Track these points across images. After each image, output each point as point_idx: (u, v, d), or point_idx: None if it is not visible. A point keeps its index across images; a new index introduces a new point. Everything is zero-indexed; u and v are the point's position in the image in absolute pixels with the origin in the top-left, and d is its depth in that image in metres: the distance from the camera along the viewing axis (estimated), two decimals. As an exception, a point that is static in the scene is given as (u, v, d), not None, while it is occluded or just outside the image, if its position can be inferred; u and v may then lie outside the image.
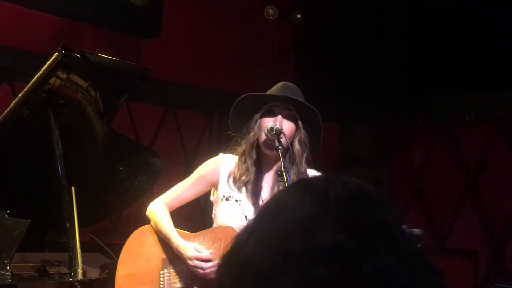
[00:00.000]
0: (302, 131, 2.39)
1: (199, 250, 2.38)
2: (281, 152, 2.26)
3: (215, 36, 5.23)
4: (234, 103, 2.44)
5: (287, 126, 2.35)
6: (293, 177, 2.32)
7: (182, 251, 2.40)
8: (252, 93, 2.42)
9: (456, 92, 4.93)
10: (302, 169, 2.37)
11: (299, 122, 2.39)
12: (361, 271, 0.71)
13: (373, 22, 5.41)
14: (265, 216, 0.80)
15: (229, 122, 2.49)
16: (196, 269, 2.36)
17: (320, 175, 0.85)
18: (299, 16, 5.52)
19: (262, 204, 0.87)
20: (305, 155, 2.38)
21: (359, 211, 0.76)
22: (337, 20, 5.51)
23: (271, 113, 2.38)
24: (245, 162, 2.40)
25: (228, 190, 2.44)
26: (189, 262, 2.37)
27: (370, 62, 5.39)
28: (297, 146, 2.37)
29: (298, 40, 5.80)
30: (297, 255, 0.73)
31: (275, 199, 0.83)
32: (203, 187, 2.52)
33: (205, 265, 2.35)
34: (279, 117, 2.36)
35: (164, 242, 2.49)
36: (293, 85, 2.47)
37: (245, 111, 2.42)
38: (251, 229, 0.80)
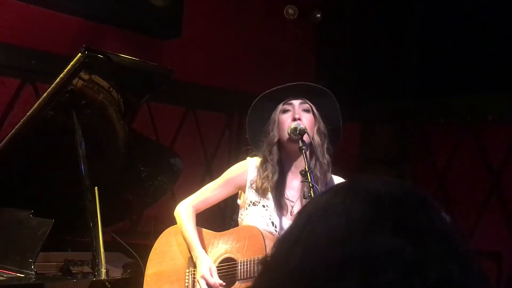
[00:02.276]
0: (320, 120, 2.39)
1: (212, 272, 2.36)
2: (304, 152, 2.25)
3: (235, 36, 5.24)
4: (248, 116, 2.45)
5: (306, 118, 2.36)
6: (316, 172, 2.31)
7: (198, 263, 2.40)
8: (259, 97, 2.42)
9: (479, 92, 4.87)
10: (325, 161, 2.36)
11: (316, 112, 2.39)
12: (426, 277, 0.68)
13: (394, 21, 5.36)
14: (314, 219, 0.76)
15: (246, 136, 2.50)
16: (199, 286, 2.37)
17: (359, 175, 0.81)
18: (319, 15, 5.50)
19: (301, 209, 0.83)
20: (325, 145, 2.38)
21: (413, 213, 0.74)
22: (358, 19, 5.48)
23: (288, 110, 2.38)
24: (266, 169, 2.40)
25: (254, 196, 2.45)
26: (198, 277, 2.38)
27: (391, 61, 5.34)
28: (316, 137, 2.37)
29: (319, 40, 5.77)
30: (358, 260, 0.69)
31: (320, 202, 0.79)
32: (230, 190, 2.53)
33: None
34: (297, 110, 2.36)
35: None
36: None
37: (260, 120, 2.43)
38: (295, 236, 0.76)
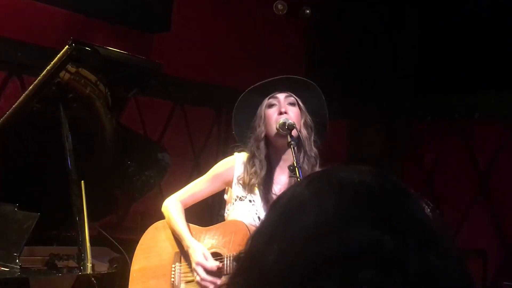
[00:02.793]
0: (305, 113, 2.39)
1: (206, 257, 2.36)
2: (293, 147, 2.25)
3: (225, 31, 5.22)
4: (234, 112, 2.44)
5: (292, 112, 2.35)
6: (305, 166, 2.31)
7: (191, 252, 2.39)
8: (244, 92, 2.41)
9: (467, 91, 4.90)
10: (312, 153, 2.36)
11: (301, 105, 2.39)
12: (407, 271, 0.65)
13: (386, 20, 5.38)
14: (287, 214, 0.72)
15: (233, 133, 2.49)
16: (196, 273, 2.36)
17: (334, 166, 0.75)
18: (308, 11, 5.49)
19: (274, 201, 0.77)
20: (312, 138, 2.38)
21: (391, 204, 0.70)
22: (349, 16, 5.48)
23: (274, 104, 2.37)
24: (253, 165, 2.39)
25: (241, 191, 2.44)
26: (194, 265, 2.37)
27: (380, 60, 5.36)
28: (303, 130, 2.37)
29: (309, 36, 5.77)
30: (337, 258, 0.66)
31: (293, 195, 0.74)
32: (217, 185, 2.52)
33: (208, 277, 2.32)
34: (283, 103, 2.35)
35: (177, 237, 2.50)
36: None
37: (246, 116, 2.42)
38: (269, 232, 0.72)
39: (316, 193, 0.72)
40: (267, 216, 0.76)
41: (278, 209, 0.74)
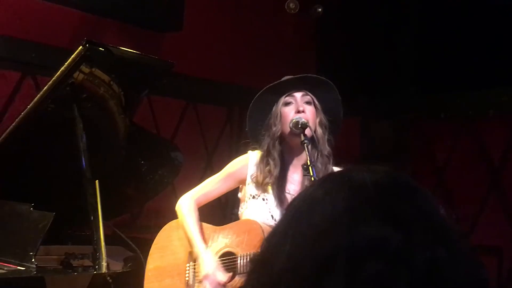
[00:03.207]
0: (321, 112, 2.39)
1: (215, 272, 2.33)
2: (306, 146, 2.25)
3: (236, 30, 5.22)
4: (249, 110, 2.43)
5: (309, 111, 2.36)
6: (318, 165, 2.31)
7: (200, 262, 2.39)
8: (262, 90, 2.41)
9: (479, 87, 4.86)
10: (326, 153, 2.36)
11: (317, 103, 2.39)
12: (412, 264, 0.66)
13: (394, 16, 5.35)
14: (299, 214, 0.74)
15: (246, 129, 2.49)
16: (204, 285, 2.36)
17: (348, 167, 0.78)
18: (320, 10, 5.48)
19: (289, 203, 0.80)
20: (326, 137, 2.38)
21: (400, 200, 0.71)
22: (358, 14, 5.46)
23: (290, 102, 2.37)
24: (267, 163, 2.39)
25: (254, 189, 2.44)
26: (201, 277, 2.36)
27: (391, 56, 5.33)
28: (318, 129, 2.37)
29: (319, 34, 5.76)
30: (344, 252, 0.67)
31: (306, 195, 0.76)
32: (231, 184, 2.53)
33: None
34: (300, 102, 2.36)
35: None
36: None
37: (260, 114, 2.42)
38: (283, 231, 0.74)
39: (327, 193, 0.73)
40: (282, 217, 0.78)
41: (291, 210, 0.76)
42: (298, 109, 2.34)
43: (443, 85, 5.06)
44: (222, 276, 2.34)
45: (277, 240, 0.74)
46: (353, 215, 0.70)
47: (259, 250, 0.78)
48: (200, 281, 2.42)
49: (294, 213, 0.75)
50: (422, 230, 0.69)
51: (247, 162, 2.47)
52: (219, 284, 2.34)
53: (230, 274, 2.35)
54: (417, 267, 0.66)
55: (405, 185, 0.74)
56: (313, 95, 2.39)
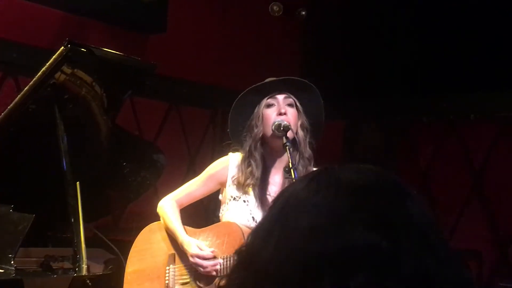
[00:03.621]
0: (303, 115, 2.40)
1: (201, 247, 2.38)
2: (288, 149, 2.25)
3: (220, 32, 5.22)
4: (231, 111, 2.43)
5: (290, 113, 2.36)
6: (300, 167, 2.32)
7: (185, 247, 2.41)
8: (244, 91, 2.41)
9: (463, 91, 4.91)
10: (307, 155, 2.36)
11: (299, 106, 2.39)
12: (400, 273, 0.65)
13: (383, 20, 5.38)
14: (285, 215, 0.72)
15: (228, 130, 2.49)
16: (197, 266, 2.36)
17: (339, 165, 0.78)
18: (303, 13, 5.50)
19: (274, 199, 0.78)
20: (307, 139, 2.39)
21: (389, 205, 0.69)
22: (345, 16, 5.49)
23: (272, 104, 2.37)
24: (249, 165, 2.39)
25: (235, 191, 2.44)
26: (191, 259, 2.38)
27: (376, 60, 5.36)
28: (300, 132, 2.38)
29: (305, 36, 5.77)
30: (331, 258, 0.65)
31: (291, 194, 0.74)
32: (212, 186, 2.53)
33: (205, 263, 2.35)
34: (282, 104, 2.36)
35: (172, 238, 2.51)
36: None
37: (242, 115, 2.42)
38: (268, 228, 0.72)
39: (314, 193, 0.71)
40: (268, 212, 0.76)
41: (277, 206, 0.74)
42: (280, 111, 2.35)
43: (427, 89, 5.10)
44: (208, 250, 2.36)
45: (262, 235, 0.72)
46: (339, 219, 0.68)
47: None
48: (182, 284, 2.42)
49: (280, 210, 0.73)
50: (411, 237, 0.67)
51: (228, 164, 2.47)
52: (208, 257, 2.35)
53: (213, 249, 2.36)
54: (406, 275, 0.65)
55: (395, 188, 0.72)
56: (295, 97, 2.40)
